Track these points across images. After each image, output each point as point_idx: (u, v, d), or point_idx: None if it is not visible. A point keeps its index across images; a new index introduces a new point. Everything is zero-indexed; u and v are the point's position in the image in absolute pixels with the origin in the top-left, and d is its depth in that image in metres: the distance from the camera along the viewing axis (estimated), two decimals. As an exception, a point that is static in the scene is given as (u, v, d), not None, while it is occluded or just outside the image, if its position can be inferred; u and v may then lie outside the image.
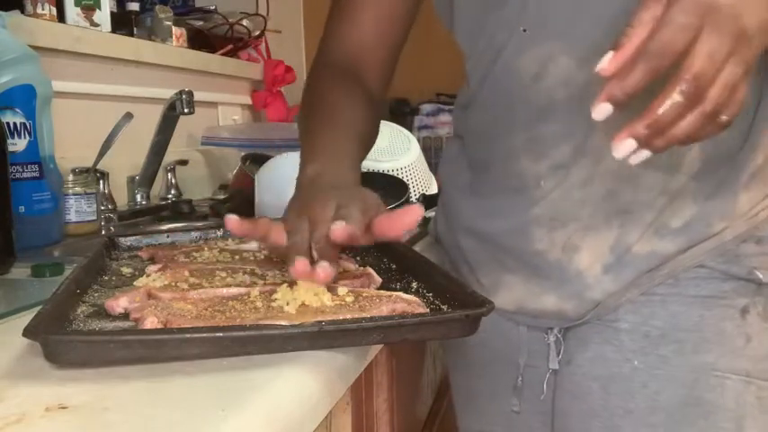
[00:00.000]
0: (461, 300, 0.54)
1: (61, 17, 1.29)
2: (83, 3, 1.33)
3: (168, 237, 0.86)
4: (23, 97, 0.89)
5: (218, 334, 0.45)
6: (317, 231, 0.57)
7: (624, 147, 0.51)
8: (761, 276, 0.69)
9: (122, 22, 1.51)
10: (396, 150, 1.36)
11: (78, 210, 1.04)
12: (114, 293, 0.58)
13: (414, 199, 1.28)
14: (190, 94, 1.30)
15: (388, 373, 0.83)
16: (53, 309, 0.50)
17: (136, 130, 1.22)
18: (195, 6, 1.98)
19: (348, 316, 0.50)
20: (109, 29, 1.40)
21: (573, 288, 0.72)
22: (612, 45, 0.51)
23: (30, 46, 0.94)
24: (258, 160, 1.31)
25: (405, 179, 1.31)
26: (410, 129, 1.90)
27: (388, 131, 1.41)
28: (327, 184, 0.64)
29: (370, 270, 0.64)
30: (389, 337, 0.50)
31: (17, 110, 0.88)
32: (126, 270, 0.70)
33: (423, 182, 1.36)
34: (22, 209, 0.89)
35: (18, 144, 0.88)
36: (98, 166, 1.14)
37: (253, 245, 0.77)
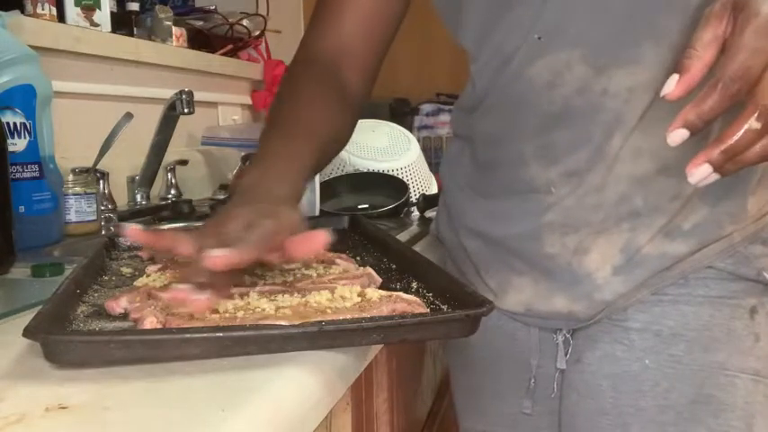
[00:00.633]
0: (461, 300, 0.54)
1: (61, 17, 1.29)
2: (83, 3, 1.33)
3: (168, 237, 0.85)
4: (23, 97, 0.89)
5: (218, 334, 0.45)
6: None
7: (700, 172, 0.51)
8: None
9: (122, 22, 1.51)
10: (396, 150, 1.36)
11: (78, 210, 1.04)
12: (114, 293, 0.58)
13: (414, 199, 1.28)
14: (190, 94, 1.30)
15: (388, 373, 0.82)
16: (53, 309, 0.50)
17: (136, 130, 1.22)
18: (195, 6, 1.97)
19: (348, 316, 0.50)
20: (109, 29, 1.40)
21: (583, 289, 0.72)
22: (677, 68, 0.50)
23: (30, 46, 0.94)
24: (258, 160, 1.31)
25: (405, 179, 1.31)
26: (410, 129, 1.90)
27: (388, 131, 1.40)
28: (253, 198, 0.60)
29: (370, 270, 0.64)
30: (389, 337, 0.50)
31: (17, 110, 0.88)
32: (126, 270, 0.70)
33: (423, 182, 1.36)
34: (22, 209, 0.88)
35: (18, 144, 0.88)
36: (98, 166, 1.14)
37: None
